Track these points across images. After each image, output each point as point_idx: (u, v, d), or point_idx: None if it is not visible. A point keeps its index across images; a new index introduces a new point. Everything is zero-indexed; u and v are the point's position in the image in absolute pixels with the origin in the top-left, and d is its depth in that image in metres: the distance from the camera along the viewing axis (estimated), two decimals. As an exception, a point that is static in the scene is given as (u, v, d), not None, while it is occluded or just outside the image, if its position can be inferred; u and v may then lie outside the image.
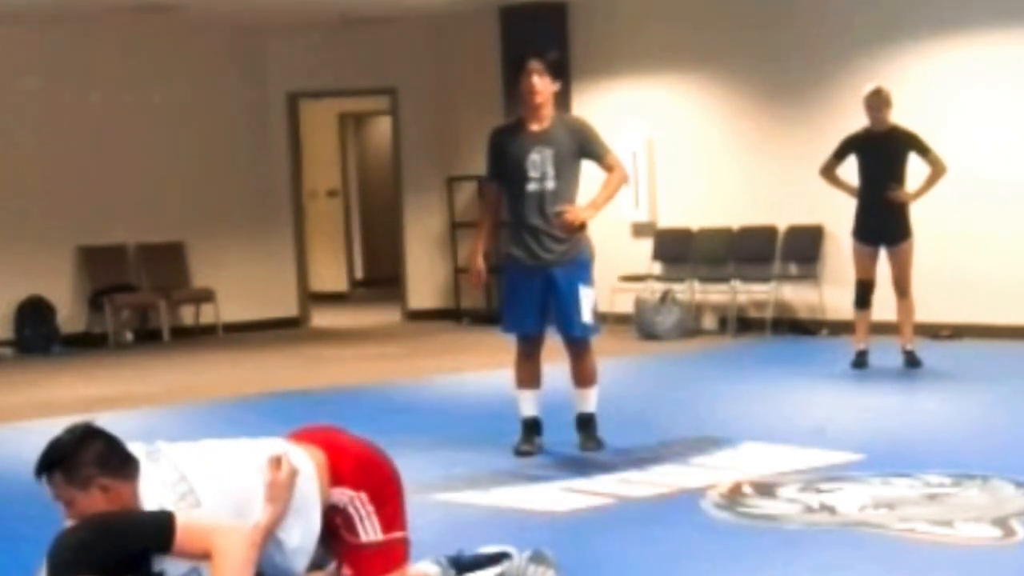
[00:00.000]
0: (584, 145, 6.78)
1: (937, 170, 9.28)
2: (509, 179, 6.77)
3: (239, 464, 3.95)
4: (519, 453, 6.76)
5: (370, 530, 4.07)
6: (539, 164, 6.66)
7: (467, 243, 14.33)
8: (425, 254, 14.83)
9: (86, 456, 3.76)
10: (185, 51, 14.04)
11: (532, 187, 6.67)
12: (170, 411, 8.94)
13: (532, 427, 6.86)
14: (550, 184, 6.65)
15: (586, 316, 6.71)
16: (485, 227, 7.01)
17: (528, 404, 6.86)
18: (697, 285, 12.63)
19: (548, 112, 6.75)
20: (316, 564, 4.11)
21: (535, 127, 6.74)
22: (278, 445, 4.06)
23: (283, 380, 9.88)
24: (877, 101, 9.24)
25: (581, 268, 6.73)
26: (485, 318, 13.16)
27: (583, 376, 6.85)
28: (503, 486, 6.11)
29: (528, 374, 6.84)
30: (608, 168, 6.83)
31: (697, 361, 10.79)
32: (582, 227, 6.69)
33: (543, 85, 6.70)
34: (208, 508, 3.78)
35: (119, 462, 3.80)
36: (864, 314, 9.43)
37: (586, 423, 6.89)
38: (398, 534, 4.14)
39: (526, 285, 6.72)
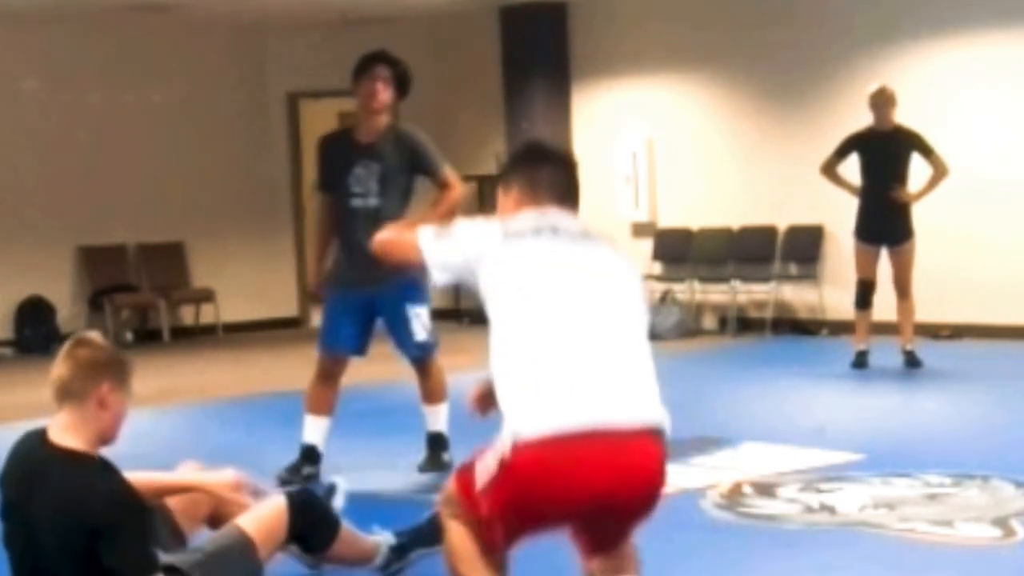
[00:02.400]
0: (415, 160, 6.33)
1: (939, 171, 9.28)
2: (335, 194, 6.35)
3: None
4: (307, 478, 6.17)
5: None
6: (363, 179, 6.24)
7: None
8: (425, 254, 14.81)
9: None
10: (185, 51, 14.04)
11: (355, 203, 6.25)
12: (170, 411, 8.93)
13: (310, 455, 6.32)
14: (373, 201, 6.22)
15: (418, 335, 6.31)
16: (320, 240, 6.54)
17: (313, 431, 6.33)
18: (697, 285, 12.63)
19: (382, 123, 6.32)
20: None
21: (364, 139, 6.31)
22: None
23: (283, 380, 9.85)
24: (881, 100, 9.24)
25: (407, 288, 6.21)
26: (485, 318, 13.15)
27: (429, 393, 6.46)
28: (503, 486, 6.10)
29: (323, 398, 6.36)
30: (441, 185, 6.33)
31: (697, 361, 10.78)
32: None
33: (386, 95, 6.30)
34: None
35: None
36: (865, 314, 9.43)
37: (434, 443, 6.48)
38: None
39: (350, 306, 6.31)
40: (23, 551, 3.78)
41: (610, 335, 3.40)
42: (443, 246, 3.60)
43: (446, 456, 6.44)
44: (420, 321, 6.36)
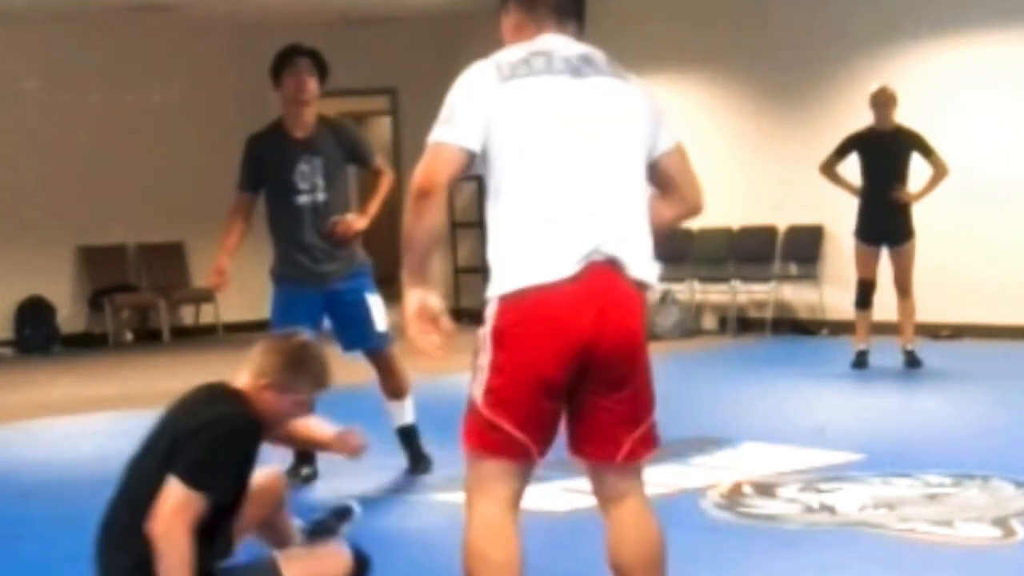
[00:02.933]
0: (351, 150, 6.30)
1: (939, 172, 9.28)
2: (275, 193, 6.24)
3: None
4: (306, 479, 6.18)
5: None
6: (309, 175, 6.17)
7: (467, 243, 14.32)
8: (425, 254, 14.78)
9: None
10: (185, 51, 14.04)
11: (303, 200, 6.17)
12: (170, 411, 8.91)
13: (303, 456, 6.18)
14: (321, 196, 6.15)
15: (379, 325, 6.23)
16: (234, 233, 6.46)
17: None
18: (697, 285, 12.63)
19: (311, 115, 6.24)
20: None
21: (299, 134, 6.21)
22: None
23: (283, 380, 9.88)
24: (882, 99, 9.25)
25: (362, 278, 6.28)
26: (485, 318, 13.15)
27: (396, 388, 6.35)
28: (503, 486, 6.08)
29: None
30: (376, 172, 6.36)
31: (697, 361, 10.78)
32: (355, 237, 6.20)
33: (313, 84, 6.25)
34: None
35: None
36: (865, 314, 9.43)
37: (410, 437, 6.40)
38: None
39: (301, 305, 6.14)
40: (135, 474, 3.81)
41: (602, 187, 3.29)
42: (454, 122, 3.28)
43: (423, 447, 6.39)
44: (379, 311, 6.29)
